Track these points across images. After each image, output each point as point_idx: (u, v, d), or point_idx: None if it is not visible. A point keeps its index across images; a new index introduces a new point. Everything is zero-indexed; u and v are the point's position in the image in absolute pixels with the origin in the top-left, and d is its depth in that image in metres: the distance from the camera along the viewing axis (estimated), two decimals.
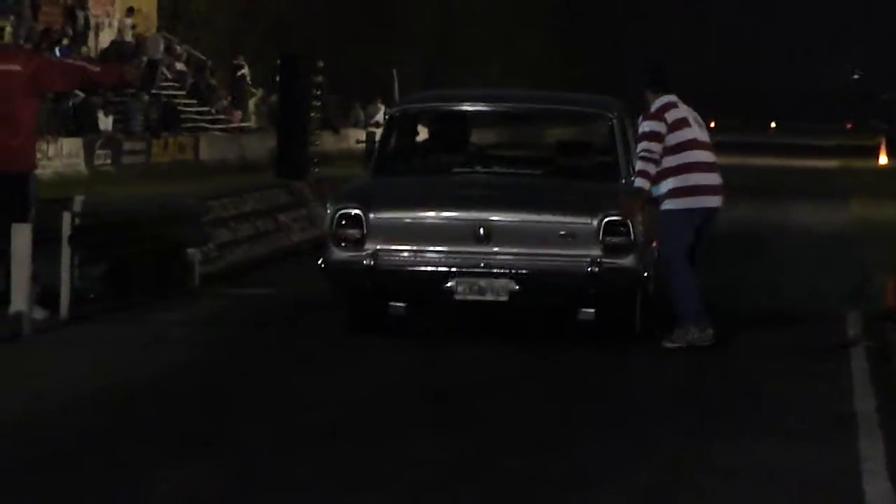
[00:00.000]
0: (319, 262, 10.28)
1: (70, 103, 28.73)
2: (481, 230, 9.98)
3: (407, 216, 10.20)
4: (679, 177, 10.11)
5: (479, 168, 11.18)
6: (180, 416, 7.91)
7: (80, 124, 29.16)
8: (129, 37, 35.56)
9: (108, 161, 28.98)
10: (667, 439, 7.54)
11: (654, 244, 10.46)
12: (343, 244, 10.09)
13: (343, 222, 10.09)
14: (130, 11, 36.61)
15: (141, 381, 8.87)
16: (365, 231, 10.05)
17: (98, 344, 10.12)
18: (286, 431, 7.58)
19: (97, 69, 11.58)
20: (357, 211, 10.09)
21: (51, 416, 7.85)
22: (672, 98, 10.29)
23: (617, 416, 8.18)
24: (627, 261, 9.93)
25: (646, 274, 10.13)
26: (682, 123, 10.22)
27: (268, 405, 8.28)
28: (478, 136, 13.15)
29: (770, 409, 8.37)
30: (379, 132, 11.69)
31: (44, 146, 25.10)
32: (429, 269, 10.02)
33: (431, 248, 10.03)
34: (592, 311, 10.05)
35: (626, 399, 8.65)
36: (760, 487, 6.70)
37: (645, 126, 10.22)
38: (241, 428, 7.64)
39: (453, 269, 9.95)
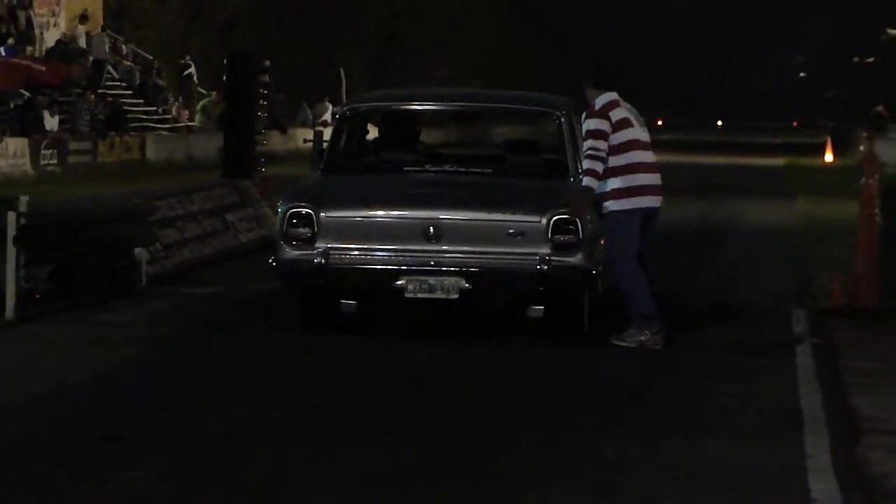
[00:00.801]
0: (270, 260, 10.28)
1: (12, 104, 28.47)
2: (431, 229, 9.99)
3: (357, 215, 10.20)
4: (624, 177, 10.11)
5: (428, 167, 11.21)
6: (128, 417, 7.87)
7: (26, 124, 28.90)
8: (82, 42, 35.20)
9: (55, 161, 28.73)
10: (616, 437, 7.57)
11: (602, 242, 10.50)
12: (294, 243, 10.10)
13: (294, 221, 10.10)
14: (84, 18, 36.24)
15: (88, 382, 8.82)
16: (315, 230, 10.06)
17: (44, 344, 10.05)
18: (235, 432, 7.55)
19: (42, 68, 11.50)
20: (308, 210, 10.09)
21: None
22: (614, 96, 10.28)
23: (566, 413, 8.20)
24: (576, 259, 9.97)
25: (594, 272, 10.16)
26: (625, 123, 10.21)
27: (217, 405, 8.24)
28: (426, 136, 13.16)
29: (717, 406, 8.40)
30: (327, 131, 11.70)
31: None
32: (379, 267, 10.02)
33: (381, 247, 10.04)
34: (541, 308, 10.10)
35: (575, 397, 8.67)
36: (707, 485, 6.73)
37: (590, 124, 10.19)
38: (191, 428, 7.62)
39: (403, 268, 9.97)
